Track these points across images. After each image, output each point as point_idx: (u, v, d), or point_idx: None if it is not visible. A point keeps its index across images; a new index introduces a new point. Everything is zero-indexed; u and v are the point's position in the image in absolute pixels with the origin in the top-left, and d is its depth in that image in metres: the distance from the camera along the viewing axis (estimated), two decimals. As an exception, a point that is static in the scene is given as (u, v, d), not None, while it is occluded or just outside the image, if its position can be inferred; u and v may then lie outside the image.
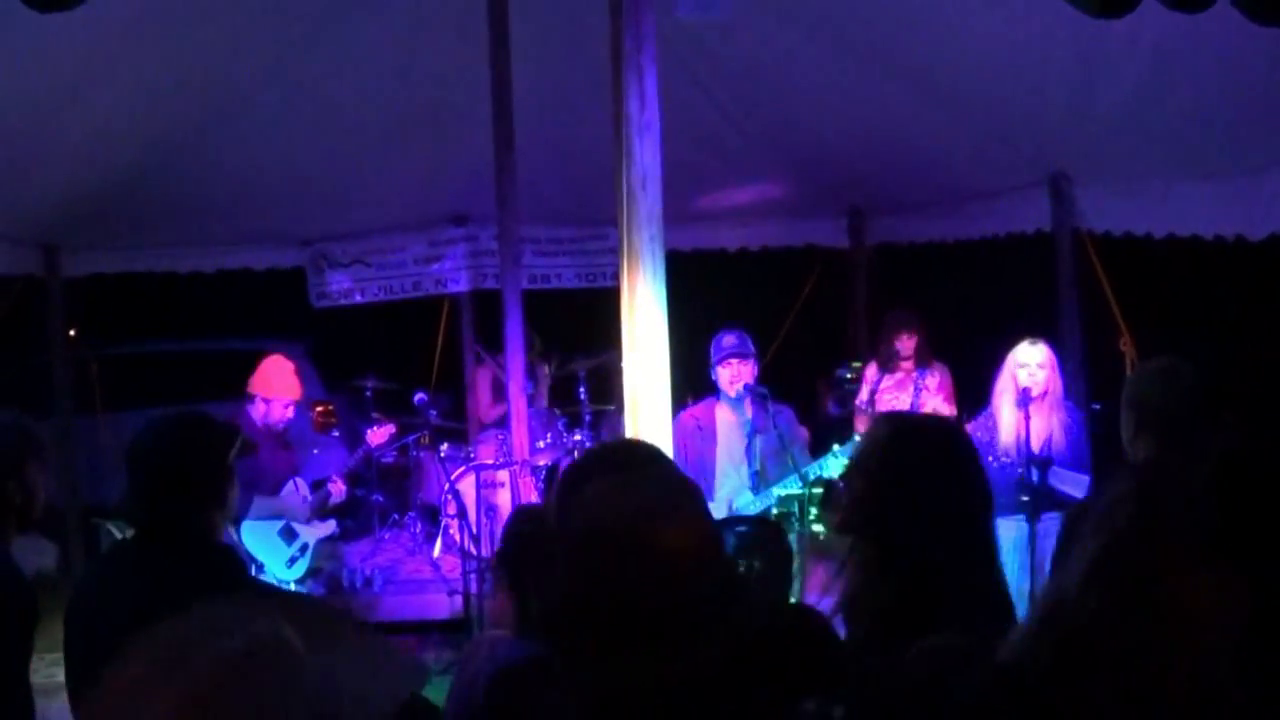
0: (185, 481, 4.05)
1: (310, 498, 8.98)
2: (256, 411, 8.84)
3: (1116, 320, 9.92)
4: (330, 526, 9.15)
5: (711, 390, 8.53)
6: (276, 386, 8.82)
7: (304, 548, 8.75)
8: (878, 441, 3.96)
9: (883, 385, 10.57)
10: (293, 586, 8.57)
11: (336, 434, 14.69)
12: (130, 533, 4.21)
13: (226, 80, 9.38)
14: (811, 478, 8.07)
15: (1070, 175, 9.85)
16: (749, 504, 8.09)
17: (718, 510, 7.92)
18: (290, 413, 8.96)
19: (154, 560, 3.97)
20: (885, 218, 13.70)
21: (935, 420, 5.22)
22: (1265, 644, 3.18)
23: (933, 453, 3.86)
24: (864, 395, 10.66)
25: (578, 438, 11.33)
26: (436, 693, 3.84)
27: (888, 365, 10.68)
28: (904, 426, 4.12)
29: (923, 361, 10.61)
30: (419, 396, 11.53)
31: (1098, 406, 9.74)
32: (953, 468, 3.82)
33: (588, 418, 11.59)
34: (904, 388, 10.53)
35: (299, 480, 9.02)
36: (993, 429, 7.93)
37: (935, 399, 10.40)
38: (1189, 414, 4.96)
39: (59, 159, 9.45)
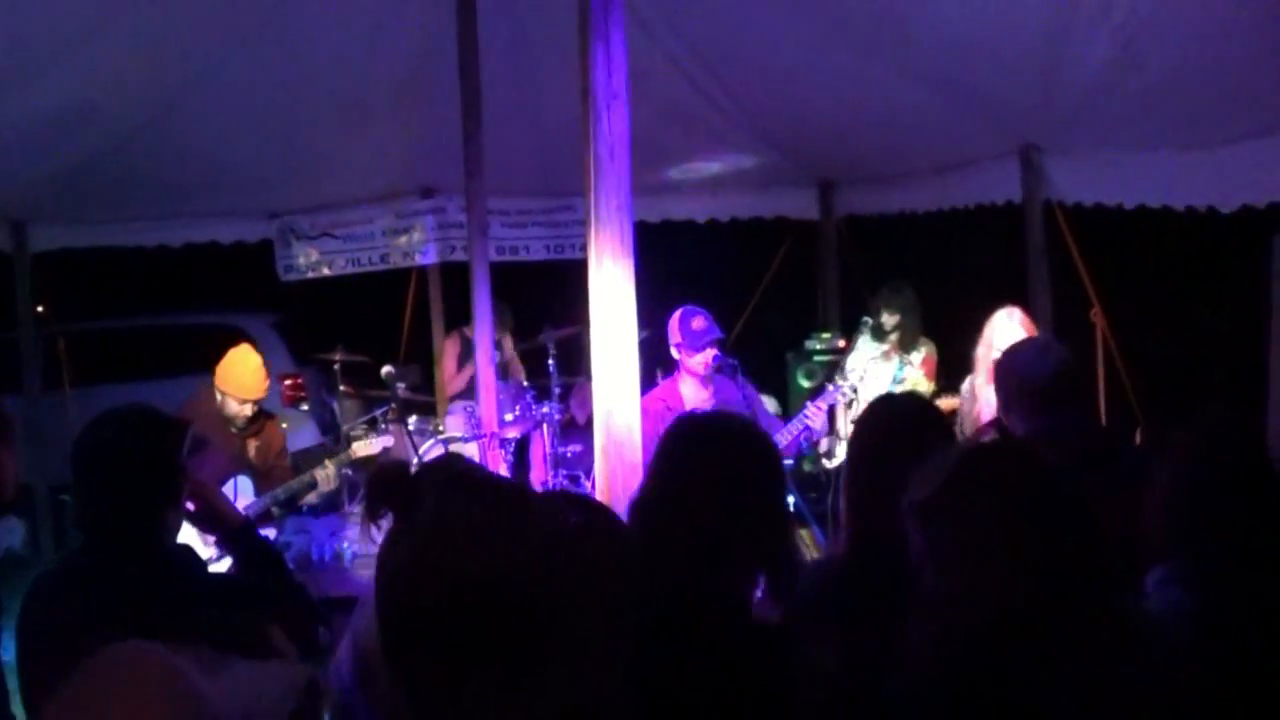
0: (135, 483, 3.94)
1: (254, 502, 8.60)
2: (218, 401, 8.61)
3: (1087, 291, 9.92)
4: (269, 534, 8.56)
5: (669, 364, 8.47)
6: (232, 381, 8.55)
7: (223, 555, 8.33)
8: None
9: (870, 356, 10.57)
10: None
11: (305, 407, 14.65)
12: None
13: (193, 53, 9.31)
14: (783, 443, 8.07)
15: (1041, 146, 9.83)
16: None
17: None
18: (247, 410, 8.62)
19: (109, 568, 3.85)
20: (855, 189, 13.71)
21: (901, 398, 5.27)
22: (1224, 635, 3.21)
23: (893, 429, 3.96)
24: (850, 365, 10.61)
25: (546, 409, 11.29)
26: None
27: (878, 336, 10.67)
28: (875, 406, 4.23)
29: (909, 342, 10.60)
30: (386, 369, 11.46)
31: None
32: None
33: (557, 390, 11.54)
34: (889, 359, 10.53)
35: (240, 480, 8.59)
36: (973, 400, 7.93)
37: (917, 373, 10.41)
38: (1055, 390, 5.20)
39: (25, 134, 9.40)
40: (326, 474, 8.74)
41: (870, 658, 2.98)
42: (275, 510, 8.77)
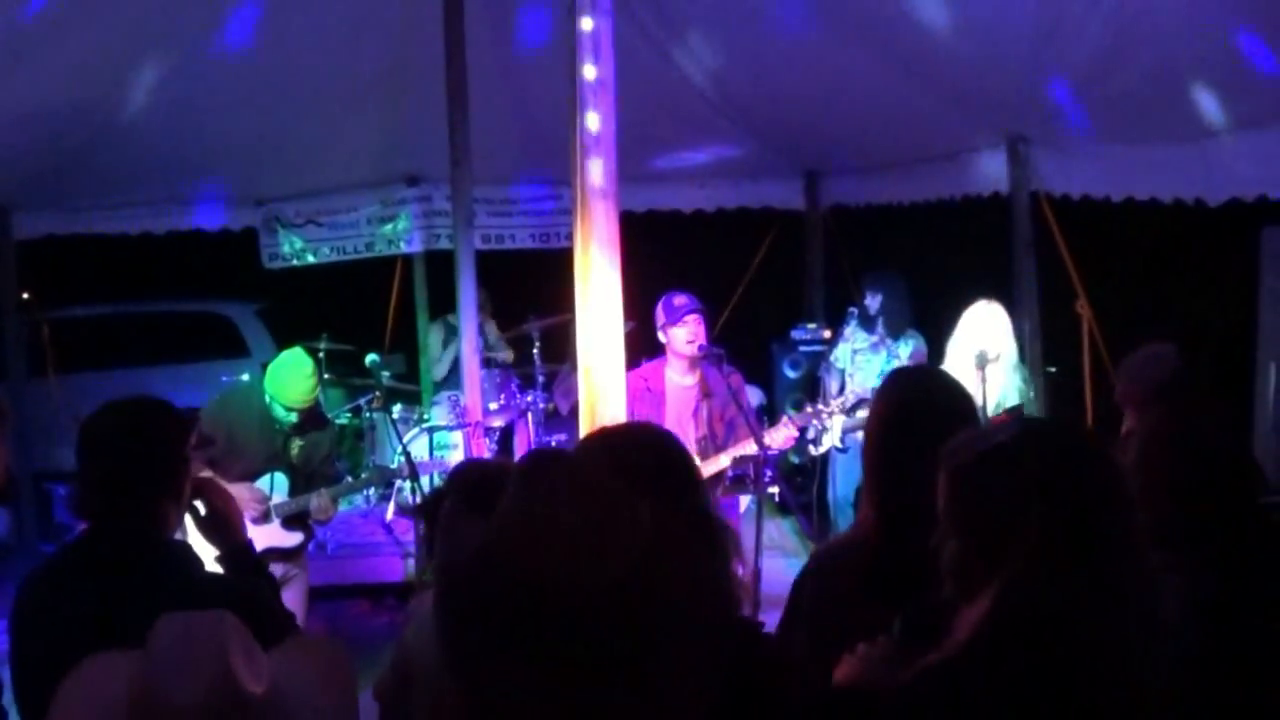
0: (137, 472, 3.90)
1: (284, 502, 8.18)
2: (267, 399, 8.14)
3: (1073, 283, 9.91)
4: (295, 538, 8.26)
5: (658, 354, 8.45)
6: (283, 390, 8.04)
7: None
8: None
9: (858, 346, 10.56)
10: None
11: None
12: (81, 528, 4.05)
13: (179, 39, 9.27)
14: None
15: (1028, 137, 9.82)
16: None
17: None
18: (293, 417, 8.12)
19: (106, 560, 3.82)
20: (841, 179, 13.68)
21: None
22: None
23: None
24: (838, 355, 10.61)
25: (530, 398, 11.28)
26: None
27: (866, 325, 10.66)
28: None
29: (896, 328, 10.58)
30: (371, 357, 11.42)
31: (1053, 369, 9.76)
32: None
33: (541, 378, 11.54)
34: (876, 352, 10.52)
35: (276, 477, 8.23)
36: None
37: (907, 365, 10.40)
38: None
39: (9, 121, 9.34)
40: (321, 503, 8.29)
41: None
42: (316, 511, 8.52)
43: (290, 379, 8.07)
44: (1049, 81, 8.41)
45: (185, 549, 4.03)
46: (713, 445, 8.11)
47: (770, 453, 7.74)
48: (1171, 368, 5.47)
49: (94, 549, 3.89)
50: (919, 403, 3.86)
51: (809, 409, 8.34)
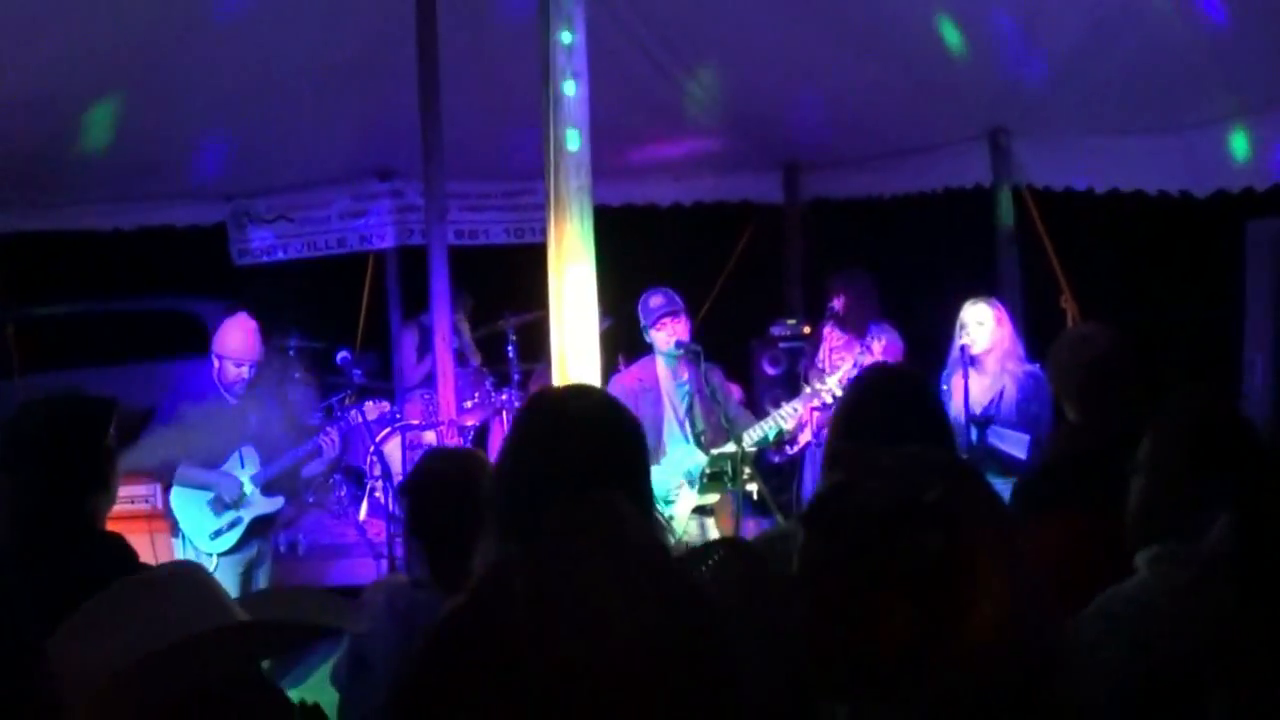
0: (61, 468, 3.88)
1: (261, 471, 8.35)
2: (215, 371, 8.39)
3: (1057, 277, 9.85)
4: (276, 503, 8.45)
5: (646, 350, 8.42)
6: (227, 345, 8.34)
7: (235, 522, 8.18)
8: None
9: (834, 345, 10.51)
10: (214, 560, 8.12)
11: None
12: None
13: (148, 33, 9.14)
14: (755, 440, 8.03)
15: (1010, 129, 9.76)
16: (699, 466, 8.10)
17: (670, 474, 8.03)
18: (244, 373, 8.32)
19: (38, 558, 3.75)
20: (821, 172, 13.60)
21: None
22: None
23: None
24: (820, 354, 10.58)
25: (505, 396, 11.17)
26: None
27: (841, 323, 10.62)
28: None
29: (866, 322, 10.54)
30: (343, 355, 11.29)
31: (1037, 364, 9.70)
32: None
33: (516, 376, 11.43)
34: (850, 349, 10.45)
35: (245, 452, 8.39)
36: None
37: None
38: (1100, 380, 4.91)
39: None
40: (330, 439, 8.78)
41: None
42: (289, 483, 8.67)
43: (240, 334, 8.35)
44: (1030, 72, 8.35)
45: (116, 541, 3.99)
46: (705, 442, 8.10)
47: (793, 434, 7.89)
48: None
49: (25, 549, 3.84)
50: (877, 405, 3.78)
51: (806, 389, 8.36)
